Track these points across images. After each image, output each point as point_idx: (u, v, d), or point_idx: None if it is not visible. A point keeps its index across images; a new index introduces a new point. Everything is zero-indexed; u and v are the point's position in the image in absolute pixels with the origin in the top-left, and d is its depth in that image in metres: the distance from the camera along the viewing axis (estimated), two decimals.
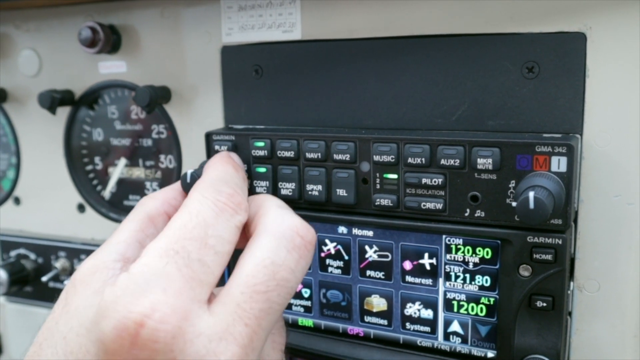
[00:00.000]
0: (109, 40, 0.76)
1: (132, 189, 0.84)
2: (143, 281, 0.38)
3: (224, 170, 0.52)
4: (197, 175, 0.62)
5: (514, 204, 0.55)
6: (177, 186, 0.57)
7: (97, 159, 0.86)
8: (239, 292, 0.41)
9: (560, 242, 0.54)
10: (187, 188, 0.62)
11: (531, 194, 0.49)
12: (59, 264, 0.91)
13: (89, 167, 0.87)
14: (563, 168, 0.53)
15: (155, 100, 0.73)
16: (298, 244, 0.44)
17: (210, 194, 0.45)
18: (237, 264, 0.43)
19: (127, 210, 0.85)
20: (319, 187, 0.63)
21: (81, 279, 0.44)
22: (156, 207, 0.52)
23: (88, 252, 0.89)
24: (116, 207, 0.86)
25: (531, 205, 0.49)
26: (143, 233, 0.49)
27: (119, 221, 0.85)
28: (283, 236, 0.44)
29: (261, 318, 0.41)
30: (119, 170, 0.84)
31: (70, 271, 0.91)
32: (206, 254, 0.41)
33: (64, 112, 0.85)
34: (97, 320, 0.38)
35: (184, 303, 0.38)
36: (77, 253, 0.90)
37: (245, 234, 0.48)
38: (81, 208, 0.88)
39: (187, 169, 0.62)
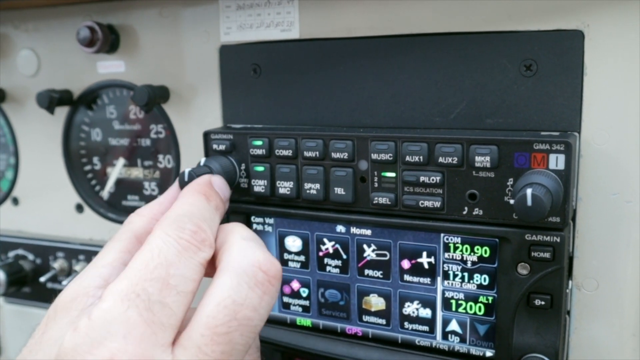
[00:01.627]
0: (108, 40, 0.76)
1: (130, 189, 0.84)
2: (103, 328, 0.37)
3: (192, 202, 0.50)
4: (195, 174, 0.62)
5: (512, 201, 0.55)
6: (164, 199, 0.56)
7: (95, 159, 0.86)
8: (200, 334, 0.40)
9: (558, 240, 0.54)
10: (184, 186, 0.62)
11: (529, 191, 0.49)
12: (57, 264, 0.91)
13: (88, 167, 0.87)
14: (561, 166, 0.53)
15: (154, 99, 0.73)
16: (260, 279, 0.42)
17: (173, 231, 0.44)
18: (199, 304, 0.42)
19: (126, 210, 0.85)
20: (317, 185, 0.63)
21: (62, 306, 0.43)
22: (143, 225, 0.51)
23: (86, 253, 0.89)
24: (115, 208, 0.86)
25: (529, 202, 0.49)
26: (130, 254, 0.47)
27: (117, 221, 0.85)
28: (244, 272, 0.42)
29: None
30: (117, 170, 0.84)
31: (68, 272, 0.91)
32: (168, 294, 0.40)
33: (62, 112, 0.85)
34: None
35: (145, 349, 0.37)
36: (76, 253, 0.90)
37: (215, 266, 0.46)
38: (79, 208, 0.87)
39: (186, 168, 0.62)
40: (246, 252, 0.44)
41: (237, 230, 0.48)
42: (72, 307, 0.42)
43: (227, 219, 0.69)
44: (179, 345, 0.39)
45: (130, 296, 0.39)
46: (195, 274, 0.43)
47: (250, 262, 0.43)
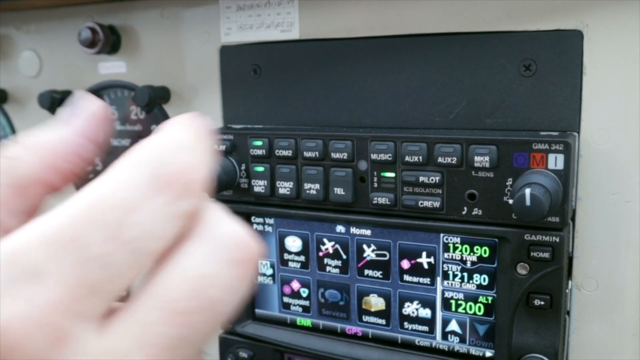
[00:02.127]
0: (109, 41, 0.76)
1: None
2: (4, 279, 0.26)
3: (186, 134, 0.32)
4: None
5: (511, 201, 0.55)
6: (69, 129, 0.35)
7: (97, 160, 0.86)
8: (149, 307, 0.29)
9: (557, 240, 0.54)
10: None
11: (527, 191, 0.49)
12: None
13: (89, 169, 0.87)
14: (560, 165, 0.53)
15: (155, 100, 0.74)
16: (238, 257, 0.31)
17: (150, 164, 0.29)
18: (152, 273, 0.30)
19: None
20: (317, 185, 0.63)
21: None
22: (33, 169, 0.32)
23: None
24: None
25: (528, 202, 0.49)
26: (11, 215, 0.32)
27: None
28: (220, 244, 0.31)
29: (173, 350, 0.29)
30: None
31: None
32: (116, 250, 0.28)
33: None
34: None
35: (58, 319, 0.26)
36: None
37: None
38: None
39: None
40: (224, 221, 0.32)
41: (211, 203, 0.33)
42: None
43: None
44: (117, 320, 0.28)
45: (58, 241, 0.27)
46: (164, 230, 0.29)
47: (229, 233, 0.31)
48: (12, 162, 0.31)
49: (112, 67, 0.80)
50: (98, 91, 0.82)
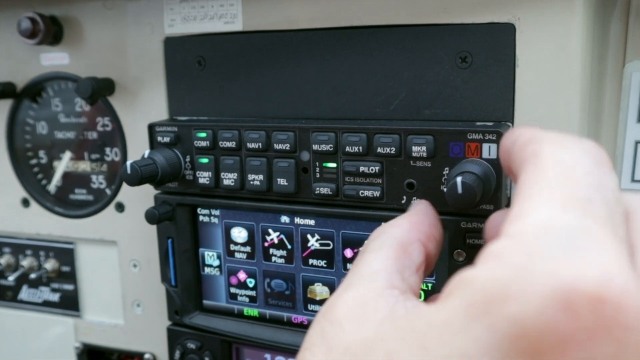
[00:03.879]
0: (50, 32, 0.75)
1: (77, 182, 0.84)
2: (557, 241, 0.25)
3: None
4: (137, 165, 0.62)
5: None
6: (420, 210, 0.48)
7: (41, 153, 0.85)
8: None
9: None
10: (126, 179, 0.62)
11: (459, 179, 0.50)
12: (4, 260, 0.89)
13: (34, 161, 0.85)
14: (493, 155, 0.55)
15: (98, 92, 0.73)
16: (602, 158, 0.31)
17: (573, 144, 0.31)
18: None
19: (73, 204, 0.84)
20: (260, 176, 0.64)
21: (346, 315, 0.33)
22: (407, 233, 0.42)
23: (33, 248, 0.88)
24: (62, 202, 0.85)
25: (459, 190, 0.50)
26: (400, 263, 0.38)
27: (64, 215, 0.84)
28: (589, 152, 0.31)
29: None
30: (64, 163, 0.83)
31: (15, 267, 0.89)
32: (615, 206, 0.28)
33: (5, 105, 0.83)
34: (485, 309, 0.25)
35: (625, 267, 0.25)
36: (22, 248, 0.89)
37: None
38: (25, 203, 0.86)
39: (128, 161, 0.62)
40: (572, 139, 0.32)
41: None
42: (366, 312, 0.32)
43: (172, 211, 0.69)
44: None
45: (576, 202, 0.27)
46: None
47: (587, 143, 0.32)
48: (386, 233, 0.42)
49: (54, 59, 0.78)
50: (41, 83, 0.81)
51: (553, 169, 0.30)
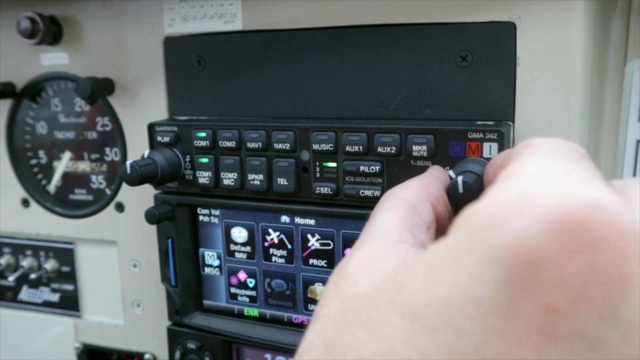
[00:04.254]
0: (50, 32, 0.75)
1: (77, 182, 0.83)
2: (553, 177, 0.28)
3: None
4: (137, 165, 0.62)
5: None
6: (431, 173, 0.50)
7: (41, 153, 0.85)
8: None
9: None
10: (126, 179, 0.62)
11: (460, 178, 0.50)
12: (4, 260, 0.89)
13: (33, 161, 0.85)
14: (494, 154, 0.54)
15: (98, 92, 0.73)
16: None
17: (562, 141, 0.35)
18: None
19: (73, 204, 0.84)
20: (260, 176, 0.63)
21: (358, 269, 0.34)
22: (416, 194, 0.43)
23: (33, 248, 0.88)
24: (62, 202, 0.85)
25: (460, 189, 0.50)
26: (410, 221, 0.39)
27: (64, 215, 0.84)
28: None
29: None
30: (63, 163, 0.83)
31: (15, 267, 0.89)
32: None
33: (5, 105, 0.83)
34: (485, 233, 0.26)
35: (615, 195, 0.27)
36: (22, 249, 0.88)
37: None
38: (25, 203, 0.86)
39: (127, 161, 0.62)
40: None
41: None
42: (378, 264, 0.33)
43: (172, 211, 0.69)
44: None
45: (567, 156, 0.32)
46: None
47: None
48: (396, 195, 0.42)
49: (54, 59, 0.78)
50: (40, 83, 0.81)
51: (543, 142, 0.33)
